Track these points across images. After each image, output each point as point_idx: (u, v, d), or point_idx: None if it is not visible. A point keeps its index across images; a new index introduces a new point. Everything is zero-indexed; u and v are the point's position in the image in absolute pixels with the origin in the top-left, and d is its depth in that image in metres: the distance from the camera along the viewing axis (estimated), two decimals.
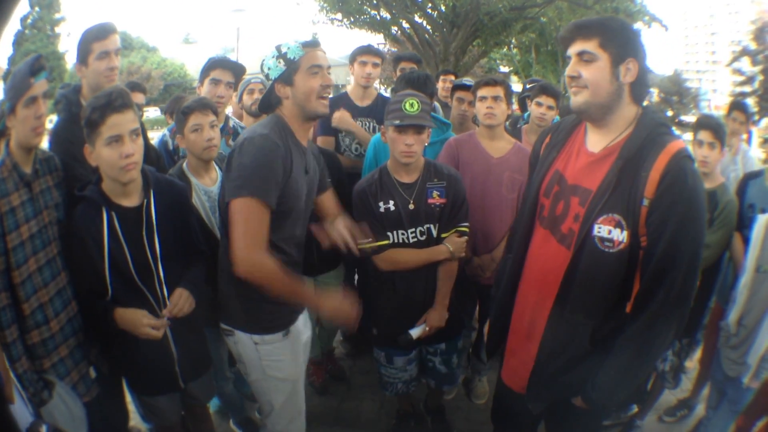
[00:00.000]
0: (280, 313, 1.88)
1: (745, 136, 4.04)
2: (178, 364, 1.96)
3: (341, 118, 3.07)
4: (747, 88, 31.46)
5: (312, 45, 1.79)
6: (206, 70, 2.73)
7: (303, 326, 2.08)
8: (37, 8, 28.05)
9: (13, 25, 26.54)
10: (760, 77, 30.31)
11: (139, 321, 1.78)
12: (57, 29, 28.55)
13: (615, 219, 1.47)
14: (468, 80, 3.42)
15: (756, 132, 5.01)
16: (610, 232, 1.48)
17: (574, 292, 1.56)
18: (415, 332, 2.23)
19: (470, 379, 3.11)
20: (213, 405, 2.75)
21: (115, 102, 1.68)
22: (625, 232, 1.46)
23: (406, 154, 2.13)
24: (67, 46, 28.17)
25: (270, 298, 1.76)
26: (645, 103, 1.60)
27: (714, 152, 2.58)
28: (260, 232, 1.69)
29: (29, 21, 27.86)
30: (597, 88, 1.50)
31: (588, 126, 1.63)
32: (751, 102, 29.23)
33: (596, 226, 1.50)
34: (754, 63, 30.94)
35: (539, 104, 3.15)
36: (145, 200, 1.83)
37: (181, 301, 1.86)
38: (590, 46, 1.49)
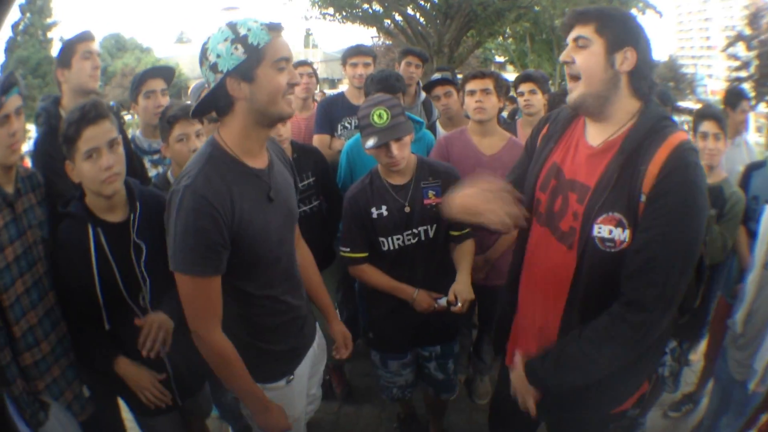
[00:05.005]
0: (282, 360, 1.72)
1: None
2: (173, 381, 1.91)
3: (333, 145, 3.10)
4: (743, 73, 31.32)
5: (277, 29, 1.44)
6: (137, 86, 2.68)
7: (312, 360, 1.89)
8: (28, 14, 26.94)
9: (5, 32, 26.25)
10: (756, 62, 30.14)
11: (144, 383, 1.79)
12: (49, 34, 27.35)
13: (616, 218, 1.39)
14: (439, 75, 3.44)
15: (753, 117, 4.91)
16: (611, 231, 1.39)
17: (582, 294, 1.48)
18: (442, 301, 2.14)
19: (472, 379, 3.06)
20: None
21: (88, 114, 1.64)
22: (627, 231, 1.38)
23: (393, 164, 2.06)
24: None
25: (268, 345, 1.66)
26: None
27: (719, 143, 2.46)
28: (203, 306, 1.50)
29: (21, 27, 26.69)
30: (590, 76, 1.43)
31: (587, 118, 1.56)
32: (747, 87, 29.16)
33: (596, 227, 1.41)
34: (750, 48, 30.70)
35: (521, 93, 3.17)
36: (132, 215, 1.79)
37: (152, 331, 1.77)
38: (586, 31, 1.43)
